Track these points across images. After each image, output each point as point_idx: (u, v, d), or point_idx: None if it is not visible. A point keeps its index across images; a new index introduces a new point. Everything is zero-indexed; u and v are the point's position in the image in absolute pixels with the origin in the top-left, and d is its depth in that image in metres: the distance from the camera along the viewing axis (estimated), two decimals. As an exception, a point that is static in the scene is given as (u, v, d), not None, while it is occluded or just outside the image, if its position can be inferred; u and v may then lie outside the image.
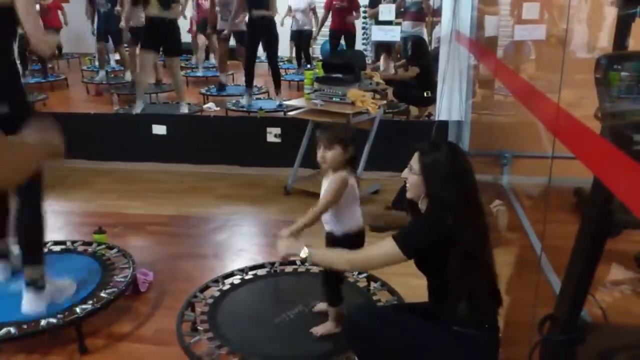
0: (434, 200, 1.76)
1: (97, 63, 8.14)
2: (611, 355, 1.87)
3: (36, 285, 2.41)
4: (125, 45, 7.59)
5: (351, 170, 2.10)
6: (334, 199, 2.04)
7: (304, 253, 1.89)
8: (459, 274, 1.67)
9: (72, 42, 9.56)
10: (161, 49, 5.75)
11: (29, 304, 2.41)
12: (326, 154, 2.06)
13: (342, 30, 7.44)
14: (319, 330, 2.23)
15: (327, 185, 2.09)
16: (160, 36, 5.49)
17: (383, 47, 7.01)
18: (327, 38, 8.02)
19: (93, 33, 7.92)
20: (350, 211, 2.11)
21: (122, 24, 7.02)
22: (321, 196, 2.10)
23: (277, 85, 6.33)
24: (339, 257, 1.89)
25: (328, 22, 7.66)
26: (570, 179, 3.31)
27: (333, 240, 2.13)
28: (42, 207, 2.44)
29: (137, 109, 5.52)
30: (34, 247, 2.47)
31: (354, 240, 2.10)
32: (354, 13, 7.35)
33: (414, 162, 1.79)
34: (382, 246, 1.75)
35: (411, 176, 1.80)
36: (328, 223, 2.15)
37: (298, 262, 2.79)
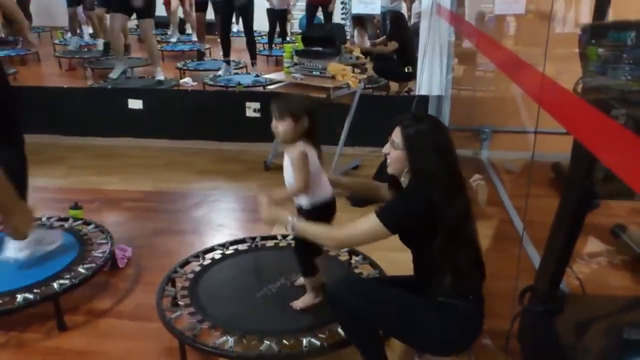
0: (417, 174, 1.74)
1: (68, 32, 7.92)
2: (588, 324, 1.90)
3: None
4: (96, 4, 7.38)
5: (309, 141, 2.05)
6: (304, 176, 2.00)
7: (289, 224, 1.87)
8: (443, 248, 1.67)
9: (43, 15, 9.27)
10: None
11: (12, 248, 2.45)
12: (278, 126, 2.03)
13: (319, 3, 7.33)
14: (297, 304, 2.23)
15: (289, 165, 2.05)
16: None
17: (357, 21, 6.94)
18: (304, 13, 7.90)
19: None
20: (314, 183, 2.06)
21: None
22: (293, 178, 2.04)
23: (253, 56, 6.22)
24: (323, 232, 1.87)
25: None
26: (547, 154, 3.36)
27: (303, 214, 2.10)
28: (23, 150, 2.48)
29: (116, 73, 5.37)
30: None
31: (323, 212, 2.08)
32: None
33: (396, 136, 1.76)
34: (366, 222, 1.74)
35: (393, 151, 1.78)
36: (296, 197, 2.13)
37: (279, 237, 2.78)
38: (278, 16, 8.04)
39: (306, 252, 2.16)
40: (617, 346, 1.77)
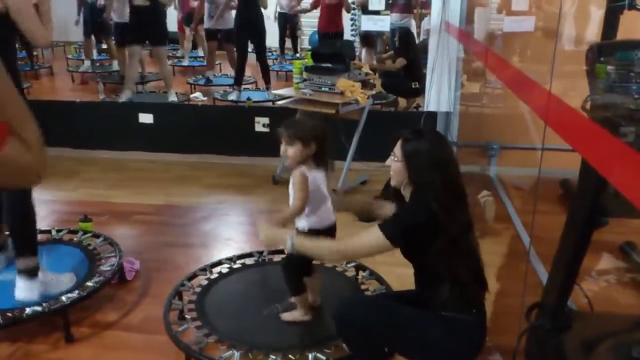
0: (417, 187, 1.76)
1: (83, 54, 8.03)
2: (596, 342, 1.88)
3: (29, 273, 2.40)
4: (113, 38, 7.50)
5: (315, 166, 2.07)
6: (302, 196, 2.03)
7: (288, 242, 1.85)
8: (441, 260, 1.68)
9: (57, 31, 9.34)
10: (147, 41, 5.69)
11: (22, 291, 2.40)
12: (287, 150, 2.05)
13: (331, 32, 7.28)
14: (286, 316, 2.26)
15: (292, 186, 2.08)
16: (145, 26, 5.39)
17: (365, 40, 6.96)
18: (316, 29, 7.93)
19: (76, 23, 7.79)
20: (315, 207, 2.09)
21: (106, 15, 6.92)
22: (293, 197, 2.08)
23: (267, 81, 6.25)
24: (325, 247, 1.88)
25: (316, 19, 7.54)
26: (556, 171, 3.35)
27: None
28: (31, 198, 2.42)
29: (124, 97, 5.46)
30: (25, 237, 2.45)
31: (321, 237, 2.07)
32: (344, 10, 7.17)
33: (397, 149, 1.79)
34: (369, 235, 1.75)
35: (394, 163, 1.80)
36: (296, 218, 2.14)
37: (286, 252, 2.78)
38: (289, 21, 8.08)
39: (295, 272, 2.18)
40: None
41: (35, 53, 8.51)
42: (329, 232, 2.15)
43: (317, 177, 2.08)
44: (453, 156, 1.79)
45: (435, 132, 1.95)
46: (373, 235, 1.74)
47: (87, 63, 7.58)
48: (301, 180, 2.03)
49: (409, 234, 1.74)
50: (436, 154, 1.74)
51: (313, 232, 2.10)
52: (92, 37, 7.69)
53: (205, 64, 7.38)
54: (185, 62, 8.38)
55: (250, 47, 6.40)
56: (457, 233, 1.68)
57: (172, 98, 5.64)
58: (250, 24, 5.90)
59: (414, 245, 1.77)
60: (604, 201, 1.67)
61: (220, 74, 7.49)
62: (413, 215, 1.74)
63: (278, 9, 8.09)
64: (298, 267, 2.15)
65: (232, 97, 6.02)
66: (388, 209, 2.07)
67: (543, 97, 1.45)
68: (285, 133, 2.05)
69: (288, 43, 8.41)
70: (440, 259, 1.68)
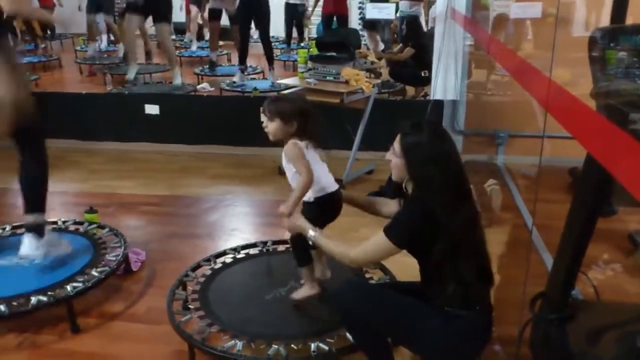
0: (417, 183, 1.74)
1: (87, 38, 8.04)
2: (601, 332, 1.86)
3: (36, 231, 2.53)
4: (116, 13, 7.47)
5: (302, 139, 2.10)
6: (303, 164, 2.04)
7: (310, 233, 1.95)
8: (444, 262, 1.66)
9: (65, 23, 9.43)
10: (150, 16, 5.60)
11: (28, 246, 2.52)
12: (268, 125, 2.12)
13: (335, 13, 7.32)
14: (295, 294, 2.28)
15: (287, 163, 2.11)
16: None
17: (368, 25, 6.94)
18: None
19: (79, 8, 7.79)
20: (315, 177, 2.09)
21: None
22: (294, 173, 2.09)
23: (271, 62, 6.25)
24: (340, 251, 1.88)
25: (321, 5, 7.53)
26: (565, 159, 3.31)
27: (307, 207, 2.14)
28: (44, 158, 2.53)
29: (131, 73, 5.43)
30: (36, 195, 2.57)
31: (326, 205, 2.13)
32: None
33: (396, 143, 1.76)
34: (376, 241, 1.75)
35: (394, 158, 1.77)
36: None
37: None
38: (295, 12, 8.05)
39: (301, 240, 2.16)
40: (630, 355, 1.73)
41: (43, 45, 8.56)
42: (335, 200, 2.15)
43: (307, 148, 2.11)
44: (454, 150, 1.73)
45: (436, 125, 1.90)
46: (379, 241, 1.73)
47: (92, 47, 7.55)
48: (293, 148, 2.06)
49: (413, 235, 1.72)
50: (435, 149, 1.70)
51: (320, 202, 2.13)
52: (96, 14, 7.63)
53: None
54: (194, 48, 8.35)
55: (256, 34, 6.38)
56: (459, 232, 1.64)
57: (177, 80, 5.60)
58: (254, 3, 5.85)
59: (418, 244, 1.75)
60: (609, 189, 1.64)
61: (227, 64, 7.48)
62: (415, 216, 1.72)
63: (287, 1, 8.08)
64: (301, 236, 2.14)
65: (236, 78, 5.99)
66: (392, 205, 2.05)
67: (544, 84, 1.42)
68: (267, 109, 2.11)
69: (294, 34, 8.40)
70: (442, 261, 1.66)
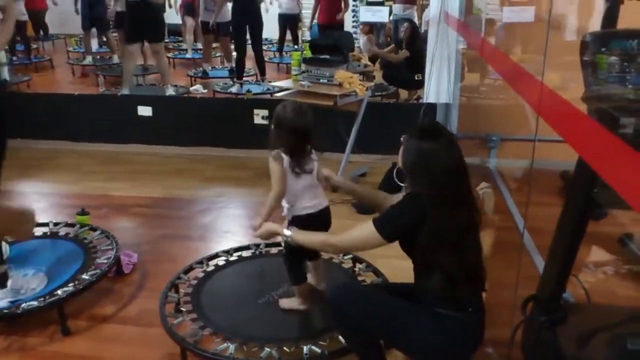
0: (414, 181, 1.73)
1: (83, 48, 8.03)
2: (592, 334, 1.87)
3: None
4: (113, 30, 7.48)
5: (294, 157, 2.09)
6: (275, 182, 2.08)
7: (286, 233, 1.94)
8: (427, 251, 1.66)
9: (57, 23, 9.40)
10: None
11: None
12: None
13: (330, 26, 7.26)
14: (284, 303, 2.28)
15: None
16: (142, 22, 5.35)
17: (367, 27, 6.93)
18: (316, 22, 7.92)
19: (77, 12, 7.77)
20: (292, 196, 2.11)
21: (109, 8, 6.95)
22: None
23: (262, 72, 6.28)
24: (318, 241, 1.90)
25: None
26: (557, 162, 3.32)
27: (289, 223, 2.14)
28: None
29: (124, 91, 5.45)
30: None
31: (305, 224, 2.08)
32: (343, 7, 7.11)
33: (403, 139, 1.75)
34: (363, 229, 1.75)
35: (400, 158, 1.76)
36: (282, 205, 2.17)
37: (282, 243, 2.77)
38: (288, 21, 8.07)
39: (295, 259, 2.18)
40: (620, 357, 1.74)
41: (35, 46, 8.52)
42: (313, 220, 2.12)
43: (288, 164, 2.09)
44: (456, 161, 1.69)
45: (445, 134, 1.80)
46: (366, 229, 1.73)
47: (89, 58, 7.57)
48: (274, 169, 2.08)
49: (403, 231, 1.72)
50: (436, 160, 1.65)
51: (296, 220, 2.12)
52: (91, 30, 7.66)
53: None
54: (189, 55, 8.36)
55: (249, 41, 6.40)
56: (446, 232, 1.64)
57: (170, 92, 5.63)
58: (247, 14, 5.89)
59: (409, 241, 1.75)
60: (599, 192, 1.65)
61: (220, 67, 7.48)
62: (408, 213, 1.71)
63: (278, 10, 8.11)
64: (298, 252, 2.13)
65: (233, 89, 6.01)
66: (392, 200, 2.05)
67: (536, 88, 1.43)
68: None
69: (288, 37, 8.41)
70: (425, 250, 1.66)
